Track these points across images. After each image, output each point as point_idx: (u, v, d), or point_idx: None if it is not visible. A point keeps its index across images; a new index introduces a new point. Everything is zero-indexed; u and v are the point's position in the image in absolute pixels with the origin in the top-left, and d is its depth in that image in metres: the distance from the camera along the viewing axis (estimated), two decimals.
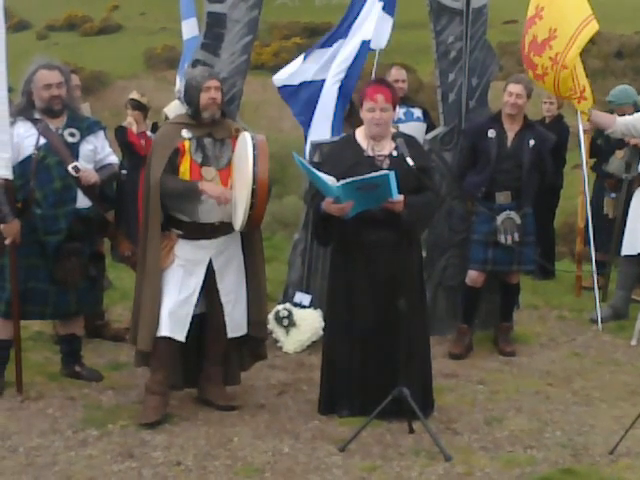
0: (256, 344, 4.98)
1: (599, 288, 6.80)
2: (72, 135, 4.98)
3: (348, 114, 8.59)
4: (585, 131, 6.82)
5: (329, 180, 4.44)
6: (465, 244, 6.09)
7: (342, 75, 6.72)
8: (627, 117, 6.49)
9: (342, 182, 4.36)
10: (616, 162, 7.24)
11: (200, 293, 4.73)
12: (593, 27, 6.45)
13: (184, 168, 4.66)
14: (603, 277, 7.33)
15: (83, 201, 4.96)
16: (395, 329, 4.52)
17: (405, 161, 4.52)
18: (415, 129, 6.55)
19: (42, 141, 4.89)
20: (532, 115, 6.27)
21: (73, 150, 4.95)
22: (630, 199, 6.77)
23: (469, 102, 6.21)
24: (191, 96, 4.68)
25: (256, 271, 4.90)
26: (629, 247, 6.65)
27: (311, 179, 4.61)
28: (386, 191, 4.36)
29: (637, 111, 6.91)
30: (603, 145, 7.32)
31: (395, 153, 4.64)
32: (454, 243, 6.25)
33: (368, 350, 4.68)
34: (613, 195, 7.29)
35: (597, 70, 23.23)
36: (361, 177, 4.34)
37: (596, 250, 6.92)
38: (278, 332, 5.99)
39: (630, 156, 7.03)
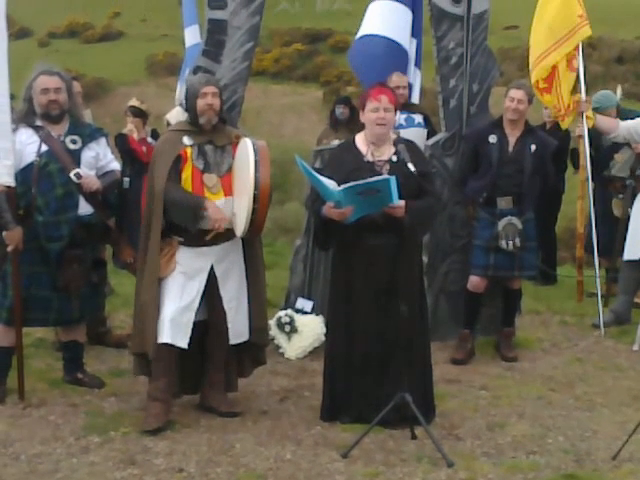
0: (257, 350, 4.98)
1: (602, 296, 6.79)
2: (74, 142, 4.98)
3: (348, 120, 8.61)
4: (580, 136, 6.84)
5: (330, 184, 4.44)
6: (467, 249, 6.09)
7: None
8: (629, 122, 6.51)
9: (343, 187, 4.37)
10: (618, 165, 7.25)
11: (201, 300, 4.74)
12: (585, 32, 6.53)
13: (186, 175, 4.66)
14: (607, 282, 7.32)
15: (85, 208, 4.97)
16: (396, 334, 4.53)
17: (405, 166, 4.53)
18: (416, 135, 6.55)
19: (44, 148, 4.89)
20: (533, 121, 6.28)
21: (75, 157, 4.95)
22: (632, 203, 6.77)
23: (470, 108, 6.22)
24: (189, 102, 4.70)
25: (257, 277, 4.90)
26: (631, 252, 6.64)
27: (312, 183, 4.61)
28: (387, 196, 4.36)
29: (619, 112, 6.98)
30: (593, 154, 7.29)
31: (395, 158, 4.64)
32: (456, 248, 6.25)
33: (369, 355, 4.67)
34: (621, 196, 7.29)
35: (598, 75, 23.24)
36: (362, 182, 4.34)
37: (601, 255, 6.92)
38: (280, 338, 5.98)
39: (634, 161, 7.03)
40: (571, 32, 6.49)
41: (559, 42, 6.51)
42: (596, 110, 7.10)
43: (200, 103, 4.65)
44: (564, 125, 6.89)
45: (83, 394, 5.14)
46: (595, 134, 6.96)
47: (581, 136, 6.80)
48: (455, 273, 6.25)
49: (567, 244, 10.57)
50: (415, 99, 7.72)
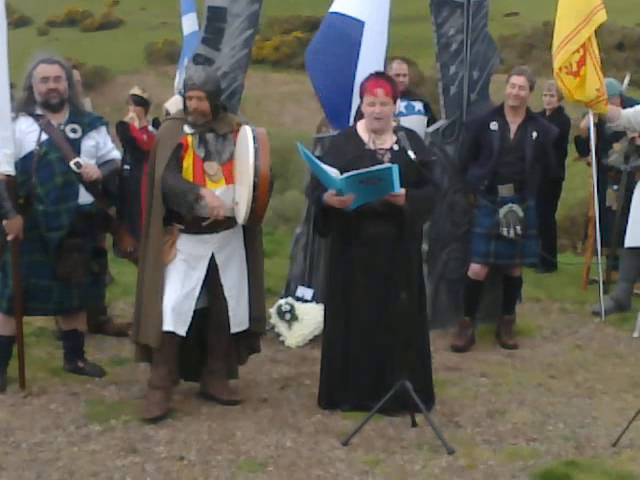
0: (253, 338, 4.99)
1: (603, 282, 6.78)
2: (74, 131, 4.97)
3: None
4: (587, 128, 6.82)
5: (332, 172, 4.43)
6: (467, 237, 6.08)
7: None
8: (629, 110, 6.49)
9: (345, 175, 4.36)
10: (615, 155, 7.24)
11: (202, 288, 4.74)
12: (601, 16, 6.44)
13: (187, 163, 4.66)
14: (607, 270, 7.31)
15: (85, 197, 4.96)
16: (394, 322, 4.53)
17: (406, 155, 4.52)
18: (416, 122, 6.53)
19: (44, 137, 4.88)
20: (532, 108, 6.26)
21: (75, 146, 4.94)
22: (631, 191, 6.76)
23: (470, 95, 6.20)
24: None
25: (257, 266, 4.91)
26: (632, 239, 6.63)
27: (314, 170, 4.60)
28: (389, 184, 4.36)
29: (623, 101, 6.95)
30: (596, 141, 7.28)
31: (396, 147, 4.64)
32: (456, 236, 6.25)
33: (367, 343, 4.68)
34: (615, 187, 7.29)
35: None
36: (364, 170, 4.33)
37: (601, 242, 6.91)
38: (280, 326, 5.99)
39: (628, 148, 7.02)
40: (590, 15, 6.40)
41: (582, 23, 6.40)
42: None
43: (187, 103, 4.70)
44: (603, 109, 6.68)
45: (84, 383, 5.15)
46: (598, 122, 6.93)
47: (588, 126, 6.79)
48: (455, 261, 6.25)
49: (567, 231, 10.58)
50: None
